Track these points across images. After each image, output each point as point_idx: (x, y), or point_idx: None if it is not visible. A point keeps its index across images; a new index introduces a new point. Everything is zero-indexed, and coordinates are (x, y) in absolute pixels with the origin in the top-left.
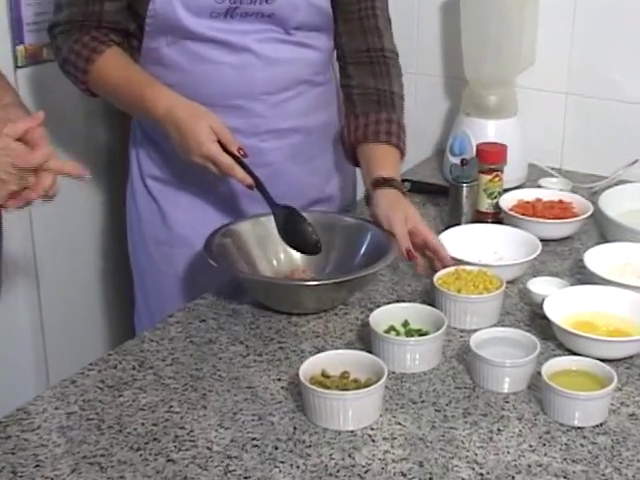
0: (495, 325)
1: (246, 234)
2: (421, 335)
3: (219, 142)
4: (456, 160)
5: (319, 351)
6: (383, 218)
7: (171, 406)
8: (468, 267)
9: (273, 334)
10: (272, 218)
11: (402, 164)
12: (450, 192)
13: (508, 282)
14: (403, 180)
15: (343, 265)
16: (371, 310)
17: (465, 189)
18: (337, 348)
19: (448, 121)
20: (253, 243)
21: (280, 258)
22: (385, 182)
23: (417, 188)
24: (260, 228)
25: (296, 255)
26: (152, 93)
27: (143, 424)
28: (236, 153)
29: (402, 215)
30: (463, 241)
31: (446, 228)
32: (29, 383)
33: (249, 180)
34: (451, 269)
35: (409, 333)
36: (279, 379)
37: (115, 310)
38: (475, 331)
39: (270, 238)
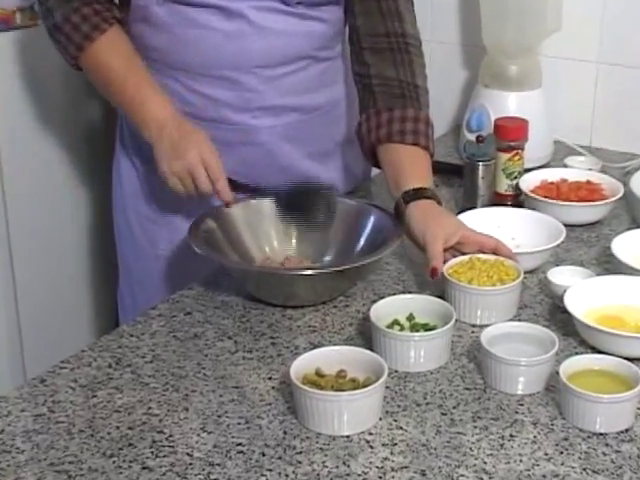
0: (511, 320)
1: (236, 218)
2: (427, 330)
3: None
4: (473, 136)
5: (315, 347)
6: (418, 234)
7: (149, 408)
8: (484, 256)
9: (265, 328)
10: (264, 201)
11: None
12: (465, 172)
13: (527, 272)
14: None
15: (343, 252)
16: (374, 302)
17: (481, 168)
18: (335, 344)
19: (465, 94)
20: (243, 228)
21: (273, 245)
22: (417, 194)
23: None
24: (251, 211)
25: (291, 242)
26: (145, 108)
27: (118, 427)
28: (218, 189)
29: (438, 229)
30: (478, 226)
31: (460, 211)
32: (4, 382)
33: (227, 196)
34: (465, 257)
35: (414, 328)
36: (270, 378)
37: (99, 301)
38: (488, 326)
39: (262, 223)
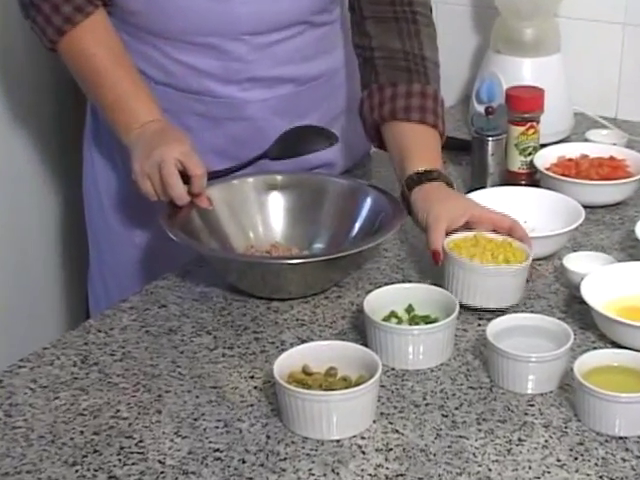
0: (516, 309)
1: (216, 201)
2: (428, 323)
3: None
4: (482, 108)
5: (303, 343)
6: (421, 219)
7: (118, 410)
8: (491, 234)
9: (248, 322)
10: (247, 181)
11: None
12: (473, 147)
13: (542, 258)
14: None
15: (335, 238)
16: (369, 293)
17: (491, 144)
18: (325, 339)
19: (474, 61)
20: (225, 212)
21: (258, 231)
22: (422, 177)
23: None
24: (234, 194)
25: (278, 227)
26: (130, 108)
27: (82, 433)
28: (194, 192)
29: (441, 211)
30: (487, 205)
31: (468, 191)
32: None
33: (204, 200)
34: (470, 233)
35: (413, 320)
36: (252, 377)
37: (69, 295)
38: (495, 313)
39: (246, 206)
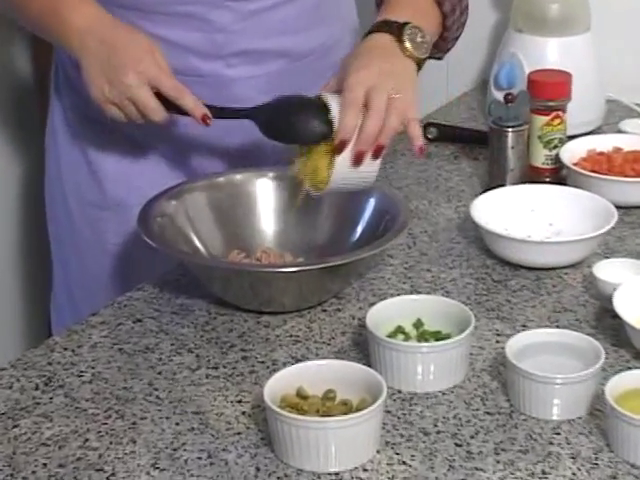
0: (539, 323)
1: (199, 201)
2: (439, 339)
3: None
4: (501, 95)
5: (297, 362)
6: (341, 69)
7: (87, 439)
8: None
9: (235, 339)
10: (234, 178)
11: (438, 32)
12: (490, 140)
13: (569, 266)
14: (428, 124)
15: (334, 243)
16: (372, 305)
17: (511, 136)
18: (323, 358)
19: (492, 41)
20: (208, 214)
21: (246, 235)
22: (381, 26)
23: (448, 135)
24: (219, 193)
25: (269, 231)
26: (60, 17)
27: (45, 465)
28: (184, 104)
29: (365, 67)
30: (507, 209)
31: (485, 190)
32: None
33: (201, 110)
34: None
35: (422, 337)
36: (239, 401)
37: (28, 310)
38: (515, 329)
39: (232, 207)
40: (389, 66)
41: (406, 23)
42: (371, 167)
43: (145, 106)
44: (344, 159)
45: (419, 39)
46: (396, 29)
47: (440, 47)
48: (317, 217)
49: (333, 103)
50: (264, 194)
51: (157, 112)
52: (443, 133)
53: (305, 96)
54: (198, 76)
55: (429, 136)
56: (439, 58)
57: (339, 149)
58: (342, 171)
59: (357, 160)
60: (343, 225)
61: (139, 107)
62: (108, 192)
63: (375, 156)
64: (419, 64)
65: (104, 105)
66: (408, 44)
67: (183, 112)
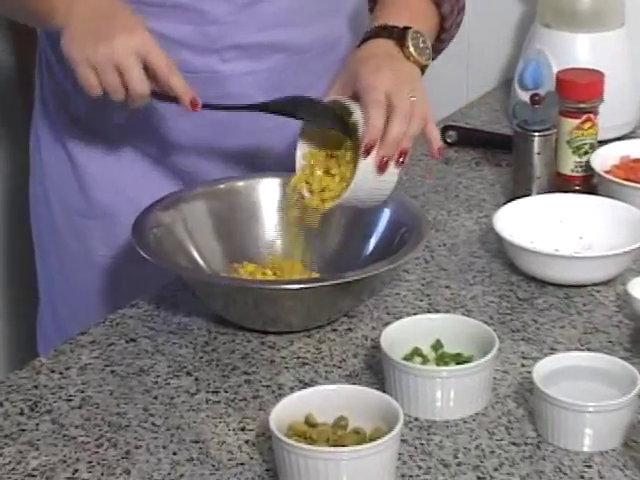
0: (569, 346)
1: (198, 210)
2: (460, 363)
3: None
4: (527, 96)
5: (305, 387)
6: (347, 74)
7: (76, 470)
8: None
9: (237, 361)
10: (236, 185)
11: (435, 34)
12: (515, 145)
13: (601, 283)
14: (447, 128)
15: (346, 256)
16: (387, 325)
17: (537, 140)
18: (333, 382)
19: (517, 36)
20: (208, 224)
21: (250, 248)
22: (380, 32)
23: (468, 139)
24: (219, 201)
25: (274, 244)
26: None
27: None
28: (172, 85)
29: (378, 71)
30: (533, 220)
31: (509, 200)
32: None
33: (190, 93)
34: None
35: (441, 359)
36: (242, 429)
37: (12, 329)
38: (542, 351)
39: (235, 217)
40: (399, 71)
41: (407, 28)
42: (391, 177)
43: (131, 76)
44: (367, 165)
45: (421, 44)
46: (397, 34)
47: (435, 48)
48: (327, 228)
49: (353, 106)
50: (269, 202)
51: (142, 85)
52: (463, 137)
53: (320, 100)
54: (191, 72)
55: (448, 140)
56: (432, 59)
57: (366, 152)
58: (363, 179)
59: (382, 166)
60: (355, 237)
61: (124, 76)
62: (94, 199)
63: (399, 162)
64: (422, 70)
65: (81, 68)
66: (412, 50)
67: (167, 98)
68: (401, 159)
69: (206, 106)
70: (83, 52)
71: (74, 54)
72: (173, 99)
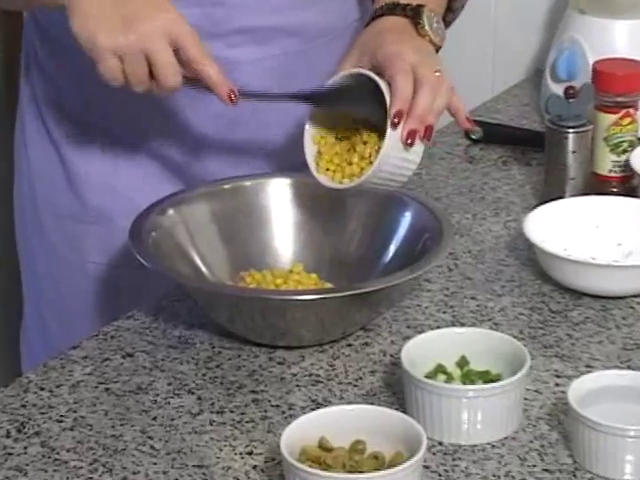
0: (606, 363)
1: (201, 213)
2: (488, 381)
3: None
4: (560, 88)
5: (318, 407)
6: (362, 48)
7: None
8: None
9: (243, 378)
10: (243, 186)
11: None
12: (547, 143)
13: None
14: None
15: (363, 264)
16: (408, 339)
17: (571, 137)
18: (349, 402)
19: (549, 23)
20: (213, 229)
21: (258, 255)
22: (393, 8)
23: (495, 136)
24: (225, 202)
25: (285, 250)
26: None
27: None
28: (209, 75)
29: (400, 43)
30: (567, 225)
31: (540, 203)
32: None
33: (227, 85)
34: None
35: (467, 378)
36: (250, 453)
37: None
38: (578, 369)
39: (242, 221)
40: (421, 46)
41: (420, 6)
42: (414, 156)
43: (163, 63)
44: (394, 138)
45: (435, 24)
46: (412, 12)
47: (444, 19)
48: (342, 233)
49: (376, 78)
50: (279, 204)
51: (174, 74)
52: (489, 133)
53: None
54: None
55: (472, 137)
56: None
57: (395, 123)
58: (389, 153)
59: (409, 139)
60: (373, 243)
61: (154, 64)
62: (88, 201)
63: (426, 137)
64: (437, 51)
65: (104, 56)
66: (427, 28)
67: (199, 85)
68: (427, 135)
69: (243, 94)
70: (114, 39)
71: (102, 40)
72: (207, 87)
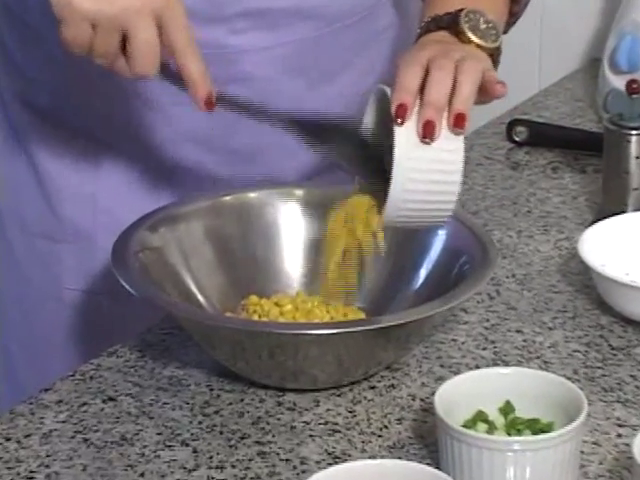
0: None
1: (197, 230)
2: (537, 432)
3: None
4: (621, 82)
5: (336, 461)
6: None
7: None
8: None
9: (247, 427)
10: (247, 197)
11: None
12: (606, 146)
13: None
14: (515, 122)
15: (388, 293)
16: (441, 381)
17: (635, 140)
18: (373, 456)
19: (607, 6)
20: (211, 249)
21: (264, 279)
22: (430, 26)
23: (543, 137)
24: (225, 218)
25: (296, 274)
26: None
27: None
28: (189, 71)
29: (422, 51)
30: (630, 245)
31: (598, 218)
32: None
33: (207, 87)
34: None
35: (513, 427)
36: None
37: None
38: None
39: (244, 238)
40: (454, 46)
41: (460, 10)
42: (449, 153)
43: (141, 40)
44: (406, 135)
45: (482, 25)
46: (448, 21)
47: (511, 12)
48: (365, 257)
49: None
50: (288, 219)
51: (151, 58)
52: (536, 135)
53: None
54: None
55: (516, 139)
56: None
57: (399, 115)
58: (406, 152)
59: (427, 132)
60: (400, 267)
61: (132, 39)
62: (64, 217)
63: (456, 126)
64: (492, 56)
65: (77, 17)
66: (470, 34)
67: (177, 79)
68: (458, 124)
69: (223, 101)
70: (97, 4)
71: (82, 2)
72: (182, 84)
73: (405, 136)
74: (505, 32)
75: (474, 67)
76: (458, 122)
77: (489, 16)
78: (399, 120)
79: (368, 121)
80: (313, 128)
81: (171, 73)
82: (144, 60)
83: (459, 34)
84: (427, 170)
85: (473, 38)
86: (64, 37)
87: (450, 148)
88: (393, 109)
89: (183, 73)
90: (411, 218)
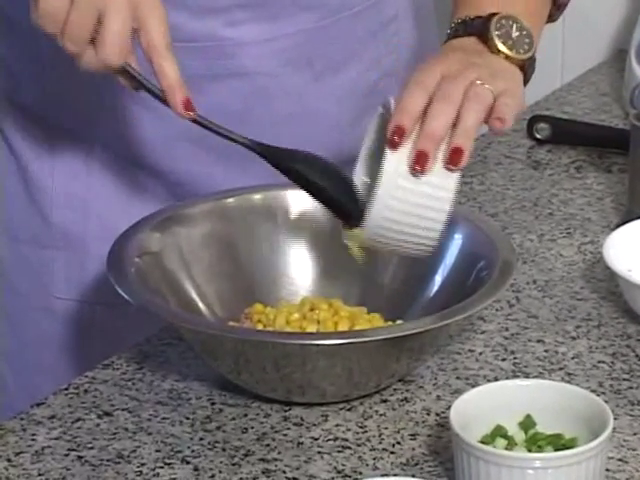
0: None
1: (197, 234)
2: (560, 448)
3: None
4: None
5: (345, 479)
6: None
7: None
8: None
9: (251, 443)
10: (250, 199)
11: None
12: (633, 144)
13: None
14: (536, 119)
15: (400, 300)
16: (457, 394)
17: None
18: (385, 474)
19: None
20: (211, 255)
21: (269, 287)
22: (459, 29)
23: (566, 135)
24: (227, 221)
25: (302, 281)
26: None
27: None
28: (163, 72)
29: (439, 65)
30: None
31: (625, 221)
32: None
33: (184, 92)
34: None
35: (534, 443)
36: None
37: None
38: None
39: (247, 243)
40: (477, 60)
41: (492, 15)
42: (438, 190)
43: (112, 31)
44: (396, 165)
45: (515, 33)
46: (478, 27)
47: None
48: (375, 259)
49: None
50: (295, 223)
51: (120, 47)
52: (559, 132)
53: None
54: (189, 41)
55: (537, 136)
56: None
57: (392, 143)
58: (391, 184)
59: (418, 164)
60: (414, 272)
61: (103, 27)
62: (54, 222)
63: (451, 162)
64: (523, 67)
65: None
66: (499, 43)
67: (151, 91)
68: (453, 161)
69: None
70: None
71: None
72: (155, 91)
73: (396, 162)
74: (554, 20)
75: (484, 94)
76: (454, 159)
77: (524, 22)
78: (392, 144)
79: (371, 131)
80: (280, 159)
81: (146, 86)
82: (112, 49)
83: (488, 42)
84: (411, 203)
85: (502, 48)
86: (41, 7)
87: (441, 185)
88: (389, 131)
89: (160, 75)
90: (386, 245)
